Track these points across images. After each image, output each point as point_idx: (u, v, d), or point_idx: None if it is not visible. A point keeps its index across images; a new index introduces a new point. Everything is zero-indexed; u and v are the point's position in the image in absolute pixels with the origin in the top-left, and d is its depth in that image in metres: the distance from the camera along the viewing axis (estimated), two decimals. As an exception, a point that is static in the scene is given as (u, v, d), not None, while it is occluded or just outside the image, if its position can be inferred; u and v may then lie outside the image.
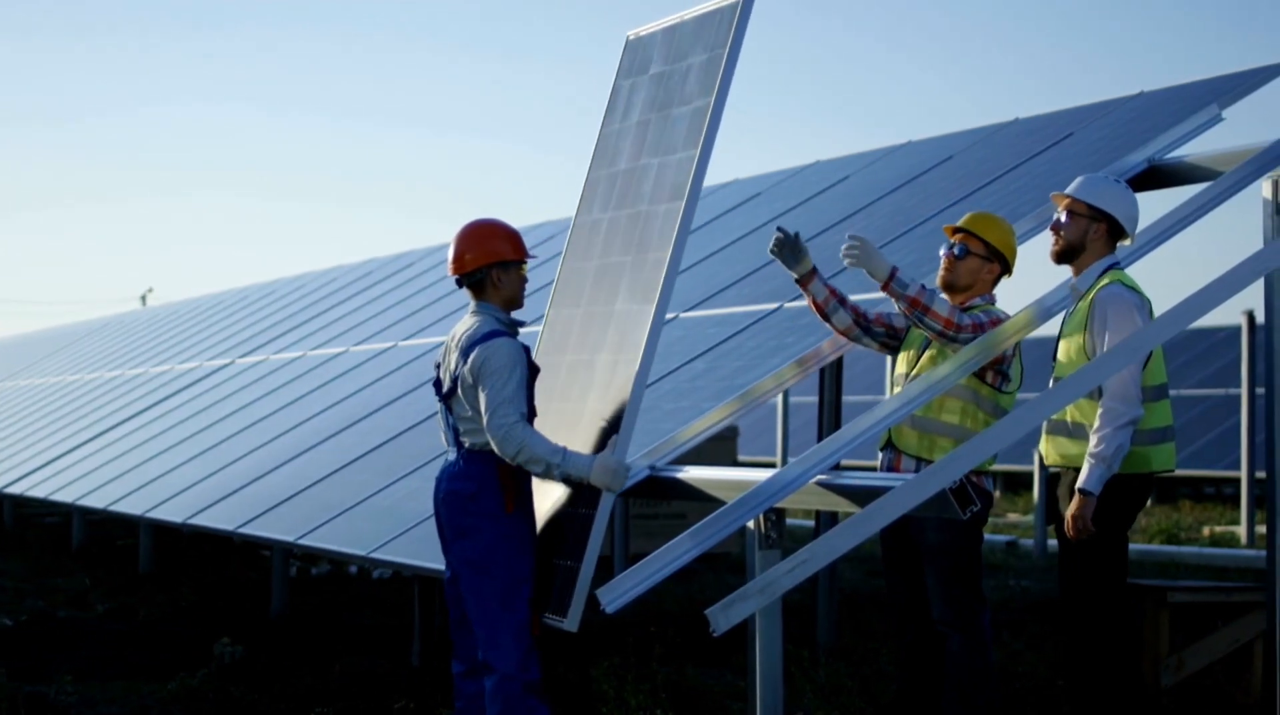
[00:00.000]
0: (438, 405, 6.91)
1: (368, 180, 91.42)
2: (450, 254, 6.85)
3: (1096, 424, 6.64)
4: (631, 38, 7.64)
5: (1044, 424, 6.94)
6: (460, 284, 6.87)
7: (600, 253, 7.23)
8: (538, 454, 6.49)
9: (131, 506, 12.94)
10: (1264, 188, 7.45)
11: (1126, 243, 7.12)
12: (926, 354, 7.25)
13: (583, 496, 6.70)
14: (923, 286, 7.03)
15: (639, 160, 7.21)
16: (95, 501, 13.94)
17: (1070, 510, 6.71)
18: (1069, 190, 7.03)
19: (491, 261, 6.80)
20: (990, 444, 5.98)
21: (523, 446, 6.49)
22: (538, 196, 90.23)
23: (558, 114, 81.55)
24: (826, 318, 7.41)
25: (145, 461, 14.48)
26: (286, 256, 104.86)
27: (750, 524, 6.53)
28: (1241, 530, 18.77)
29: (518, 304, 6.88)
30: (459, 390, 6.69)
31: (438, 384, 6.86)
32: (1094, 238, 6.94)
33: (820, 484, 6.60)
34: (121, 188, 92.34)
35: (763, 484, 6.57)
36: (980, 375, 7.08)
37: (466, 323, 6.81)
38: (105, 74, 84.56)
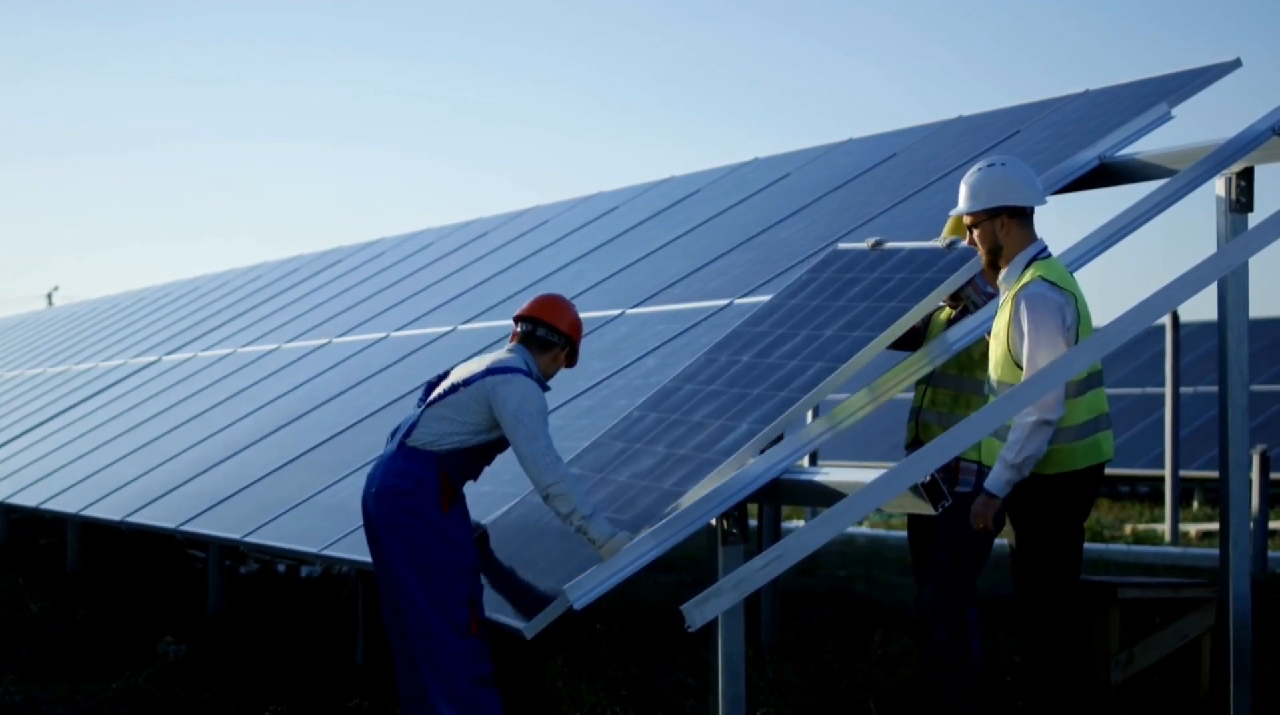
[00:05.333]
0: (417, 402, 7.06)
1: (263, 186, 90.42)
2: (541, 303, 7.08)
3: (1012, 425, 6.40)
4: (841, 247, 8.02)
5: None
6: (524, 324, 7.03)
7: (719, 381, 7.48)
8: (573, 497, 6.54)
9: (64, 505, 12.79)
10: (1218, 186, 7.46)
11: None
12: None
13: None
14: None
15: (792, 328, 7.51)
16: (25, 500, 13.75)
17: (975, 508, 6.55)
18: (959, 209, 6.73)
19: (569, 334, 7.05)
20: (953, 444, 6.00)
21: (561, 479, 6.55)
22: (437, 200, 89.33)
23: (462, 119, 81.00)
24: None
25: (75, 459, 14.29)
26: (195, 257, 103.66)
27: (712, 521, 6.53)
28: (1165, 527, 18.93)
29: (547, 377, 7.05)
30: (461, 394, 6.78)
31: (435, 382, 7.05)
32: (1005, 233, 6.62)
33: (786, 481, 6.61)
34: (19, 184, 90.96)
35: (726, 481, 6.57)
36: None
37: (505, 350, 6.99)
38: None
